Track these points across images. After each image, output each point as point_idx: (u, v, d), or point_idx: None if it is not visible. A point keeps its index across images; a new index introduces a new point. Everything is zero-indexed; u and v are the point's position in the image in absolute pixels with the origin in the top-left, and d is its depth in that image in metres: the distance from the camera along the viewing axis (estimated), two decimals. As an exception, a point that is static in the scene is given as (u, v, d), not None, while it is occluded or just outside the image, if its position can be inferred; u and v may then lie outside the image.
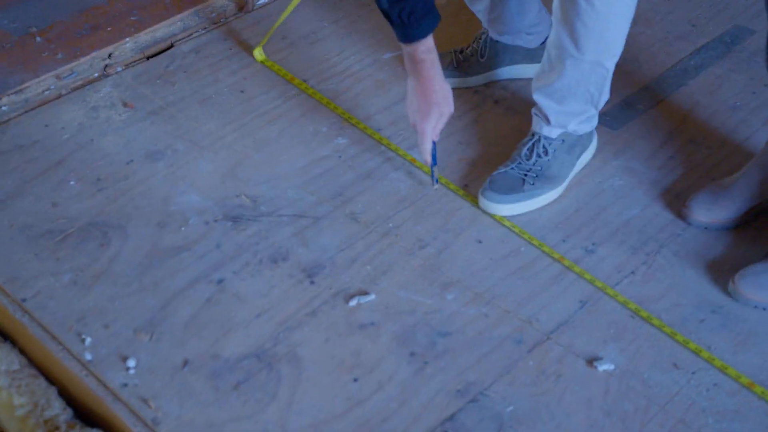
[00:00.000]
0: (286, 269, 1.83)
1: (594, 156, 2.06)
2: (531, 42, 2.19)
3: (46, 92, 2.22)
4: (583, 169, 2.03)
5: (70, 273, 1.81)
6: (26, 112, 2.16)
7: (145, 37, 2.37)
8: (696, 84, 2.25)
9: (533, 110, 1.99)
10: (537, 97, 1.95)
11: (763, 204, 1.91)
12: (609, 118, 2.15)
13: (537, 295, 1.79)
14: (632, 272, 1.83)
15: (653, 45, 2.36)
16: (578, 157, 1.99)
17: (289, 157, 2.07)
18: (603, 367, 1.66)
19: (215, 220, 1.92)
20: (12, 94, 2.19)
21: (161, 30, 2.39)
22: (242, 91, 2.24)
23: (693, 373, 1.66)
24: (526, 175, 1.93)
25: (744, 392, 1.63)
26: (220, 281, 1.81)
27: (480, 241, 1.90)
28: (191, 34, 2.40)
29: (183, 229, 1.90)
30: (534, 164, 1.94)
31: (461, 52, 2.24)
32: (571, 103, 1.92)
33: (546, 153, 1.95)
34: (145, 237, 1.89)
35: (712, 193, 1.91)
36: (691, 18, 2.45)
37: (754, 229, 1.90)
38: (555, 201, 1.97)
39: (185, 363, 1.67)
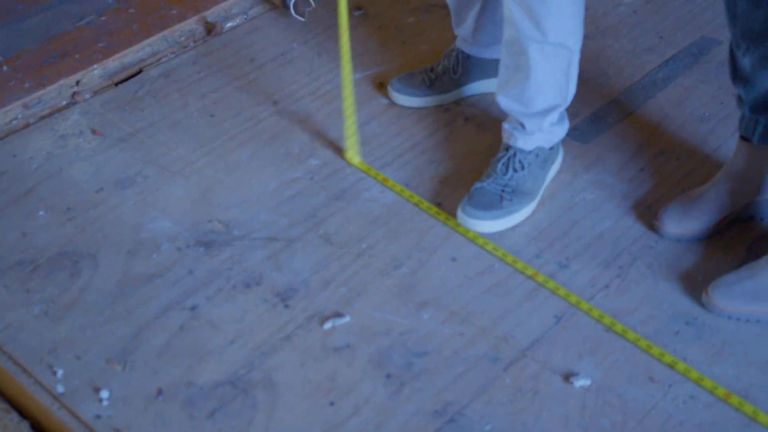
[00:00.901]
0: (260, 293, 1.82)
1: (565, 170, 2.07)
2: None
3: (14, 122, 2.20)
4: (553, 183, 2.04)
5: (40, 304, 1.79)
6: (-6, 141, 2.15)
7: (113, 63, 2.35)
8: (664, 96, 2.26)
9: (504, 125, 1.99)
10: (504, 103, 1.94)
11: (733, 214, 1.91)
12: (579, 132, 2.16)
13: (512, 312, 1.79)
14: (606, 286, 1.83)
15: (621, 58, 2.37)
16: (548, 171, 2.00)
17: (261, 179, 2.07)
18: (579, 382, 1.66)
19: (187, 246, 1.91)
20: (-21, 123, 2.18)
21: (129, 55, 2.38)
22: (212, 115, 2.23)
23: (669, 386, 1.66)
24: (503, 190, 1.94)
25: (720, 404, 1.63)
26: (193, 308, 1.79)
27: (454, 259, 1.89)
28: (160, 59, 2.39)
29: (154, 256, 1.89)
30: (510, 179, 1.94)
31: (432, 70, 2.25)
32: (541, 99, 1.90)
33: (522, 167, 1.95)
34: (116, 265, 1.87)
35: (683, 205, 1.91)
36: (658, 30, 2.46)
37: (726, 239, 1.91)
38: (527, 216, 1.97)
39: (159, 392, 1.65)
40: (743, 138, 1.89)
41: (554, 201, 2.01)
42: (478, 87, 2.24)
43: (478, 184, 1.96)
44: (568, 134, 2.15)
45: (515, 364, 1.70)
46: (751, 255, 1.87)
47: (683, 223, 1.90)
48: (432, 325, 1.76)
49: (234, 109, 2.24)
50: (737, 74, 1.82)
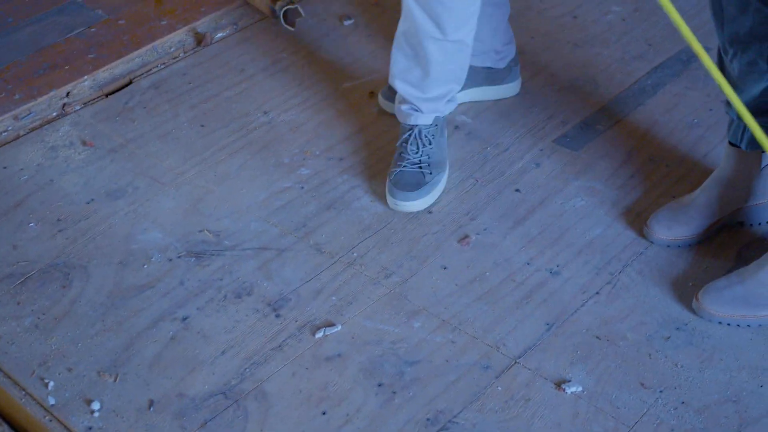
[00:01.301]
0: (251, 303, 1.82)
1: (555, 177, 2.08)
2: (499, 62, 2.21)
3: (4, 133, 2.20)
4: (544, 190, 2.04)
5: (31, 316, 1.79)
6: (-16, 154, 2.15)
7: (104, 74, 2.35)
8: (654, 103, 2.27)
9: (402, 107, 2.05)
10: (401, 88, 2.02)
11: (723, 219, 1.92)
12: (569, 140, 2.17)
13: (503, 320, 1.79)
14: (597, 292, 1.84)
15: (611, 65, 2.38)
16: (443, 136, 2.08)
17: (252, 189, 2.07)
18: (571, 389, 1.66)
19: (178, 257, 1.91)
20: (-31, 136, 2.18)
21: (119, 66, 2.38)
22: (202, 126, 2.23)
23: (660, 391, 1.66)
24: (420, 167, 2.00)
25: (711, 409, 1.63)
26: (184, 318, 1.79)
27: (445, 268, 1.89)
28: (150, 70, 2.39)
29: (146, 266, 1.89)
30: (422, 155, 2.02)
31: None
32: (435, 88, 2.00)
33: (429, 142, 2.03)
34: (107, 276, 1.87)
35: (673, 211, 1.92)
36: (647, 37, 2.47)
37: (716, 245, 1.91)
38: (517, 224, 1.97)
39: (151, 403, 1.64)
40: (732, 144, 1.90)
41: (544, 208, 2.01)
42: (467, 95, 2.24)
43: (396, 170, 2.01)
44: (558, 142, 2.17)
45: (507, 371, 1.70)
46: (740, 260, 1.87)
47: (673, 230, 1.91)
48: (423, 334, 1.76)
49: (224, 120, 2.24)
50: (726, 79, 1.83)
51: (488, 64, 2.21)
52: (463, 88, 2.23)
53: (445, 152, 2.07)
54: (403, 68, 2.00)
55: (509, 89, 2.26)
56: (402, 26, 1.96)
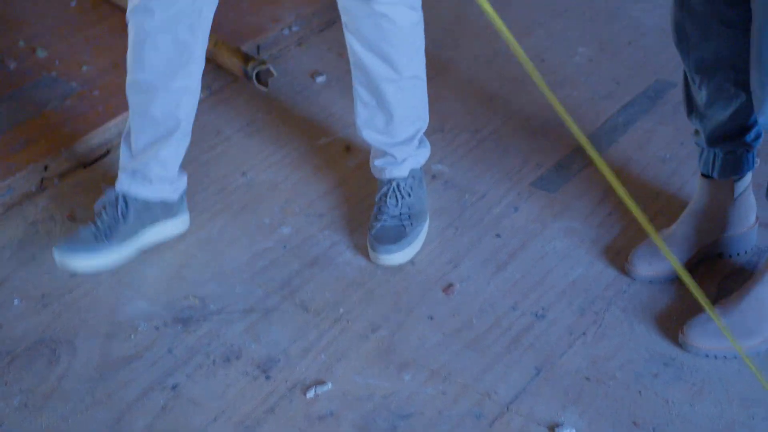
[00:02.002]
0: (241, 367, 1.82)
1: (533, 220, 2.10)
2: (173, 194, 2.06)
3: (-16, 211, 2.20)
4: (523, 233, 2.06)
5: (19, 395, 1.78)
6: (-36, 233, 2.14)
7: (80, 146, 2.36)
8: (626, 140, 2.31)
9: (375, 162, 2.06)
10: (371, 138, 2.03)
11: (702, 251, 1.94)
12: (545, 182, 2.19)
13: (493, 367, 1.80)
14: (583, 333, 1.85)
15: (581, 106, 2.42)
16: (425, 186, 2.09)
17: (234, 252, 2.07)
18: (564, 432, 1.67)
19: (165, 325, 1.91)
20: (-51, 216, 2.17)
21: (96, 137, 2.39)
22: (182, 191, 2.24)
23: (653, 429, 1.67)
24: (401, 221, 2.01)
25: (705, 443, 1.64)
26: (174, 386, 1.79)
27: (431, 317, 1.90)
28: (126, 138, 2.40)
29: (132, 337, 1.88)
30: (402, 208, 2.03)
31: None
32: (402, 130, 2.01)
33: (409, 194, 2.04)
34: (94, 350, 1.86)
35: (652, 246, 1.94)
36: (614, 76, 2.52)
37: (697, 277, 1.92)
38: (500, 269, 1.99)
39: (145, 476, 1.64)
40: (704, 175, 1.93)
41: (525, 251, 2.03)
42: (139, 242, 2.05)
43: (376, 224, 2.02)
44: (534, 185, 2.19)
45: (499, 419, 1.70)
46: (722, 292, 1.89)
47: (654, 265, 1.93)
48: (414, 386, 1.77)
49: (203, 183, 2.26)
50: (693, 109, 1.87)
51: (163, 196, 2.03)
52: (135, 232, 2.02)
53: (424, 203, 2.09)
54: (366, 118, 2.01)
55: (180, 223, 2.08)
56: (356, 77, 1.98)
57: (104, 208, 2.00)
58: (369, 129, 2.02)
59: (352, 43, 1.92)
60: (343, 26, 1.93)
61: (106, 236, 1.96)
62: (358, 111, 2.02)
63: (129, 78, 1.93)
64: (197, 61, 1.92)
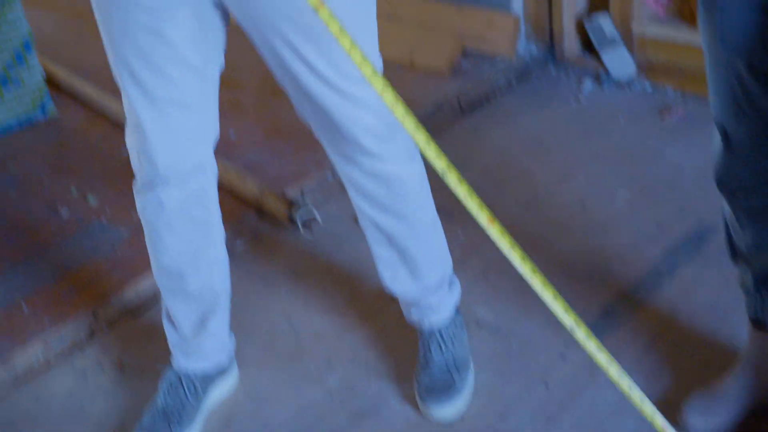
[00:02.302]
0: None
1: (582, 369, 2.08)
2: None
3: (35, 361, 2.22)
4: (573, 384, 2.04)
5: None
6: (15, 384, 2.16)
7: (129, 293, 2.40)
8: (672, 286, 2.30)
9: (412, 317, 2.03)
10: (401, 291, 1.98)
11: (760, 404, 1.90)
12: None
13: None
14: (638, 491, 1.81)
15: (624, 251, 2.42)
16: (464, 331, 2.07)
17: (281, 403, 2.07)
18: None
19: (212, 480, 1.89)
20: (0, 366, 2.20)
21: (144, 284, 2.43)
22: (229, 339, 2.26)
23: None
24: (449, 370, 1.99)
25: None
26: None
27: (481, 473, 1.87)
28: (174, 285, 2.44)
29: (180, 494, 1.87)
30: (448, 357, 2.00)
31: None
32: (429, 275, 1.97)
33: (452, 342, 2.02)
34: (141, 508, 1.84)
35: (706, 399, 1.90)
36: (656, 220, 2.52)
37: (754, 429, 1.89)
38: (550, 421, 1.96)
39: None
40: (754, 325, 1.90)
41: (575, 403, 2.01)
42: None
43: (424, 376, 2.00)
44: (581, 333, 2.18)
45: None
46: (780, 447, 1.85)
47: (708, 419, 1.88)
48: None
49: (249, 333, 2.27)
50: (737, 252, 1.85)
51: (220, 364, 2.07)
52: None
53: (467, 348, 2.07)
54: (392, 274, 1.98)
55: None
56: (371, 237, 1.94)
57: (167, 391, 2.00)
58: (396, 283, 1.99)
59: (362, 206, 1.88)
60: (348, 191, 1.90)
61: (179, 423, 1.96)
62: (381, 271, 1.98)
63: (154, 263, 1.92)
64: (218, 230, 1.93)
